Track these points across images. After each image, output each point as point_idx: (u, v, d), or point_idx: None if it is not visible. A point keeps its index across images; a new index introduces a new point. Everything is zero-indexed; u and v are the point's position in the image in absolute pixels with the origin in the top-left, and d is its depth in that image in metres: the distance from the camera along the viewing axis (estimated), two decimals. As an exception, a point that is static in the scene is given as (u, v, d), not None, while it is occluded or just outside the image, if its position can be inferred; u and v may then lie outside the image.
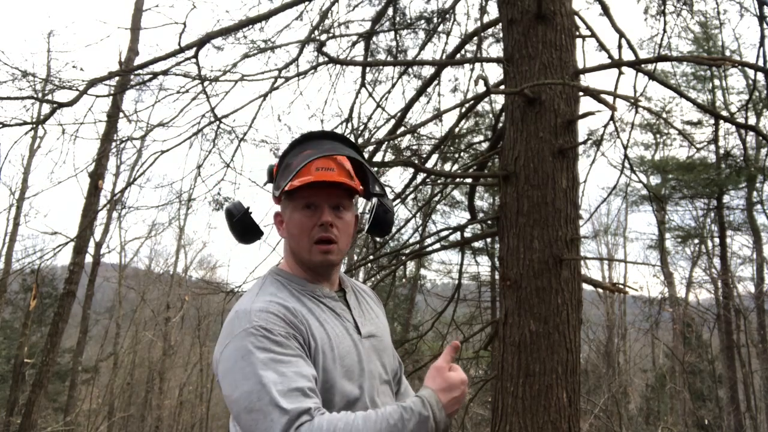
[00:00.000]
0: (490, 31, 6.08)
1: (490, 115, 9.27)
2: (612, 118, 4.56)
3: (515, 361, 3.10)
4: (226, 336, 1.14)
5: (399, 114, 5.30)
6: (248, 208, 1.35)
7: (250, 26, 4.82)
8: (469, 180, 5.26)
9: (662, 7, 5.61)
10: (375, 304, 1.47)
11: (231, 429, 1.23)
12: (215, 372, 1.18)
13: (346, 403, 1.18)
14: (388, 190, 6.43)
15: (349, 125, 5.66)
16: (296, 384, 1.04)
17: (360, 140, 5.51)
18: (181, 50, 4.12)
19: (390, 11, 5.88)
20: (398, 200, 5.26)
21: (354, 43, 5.69)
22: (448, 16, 5.93)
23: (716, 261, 14.91)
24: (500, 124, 4.68)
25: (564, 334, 3.06)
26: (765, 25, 4.33)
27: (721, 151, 13.84)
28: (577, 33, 3.89)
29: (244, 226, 1.35)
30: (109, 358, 17.69)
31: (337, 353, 1.20)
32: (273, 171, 1.33)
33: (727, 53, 11.97)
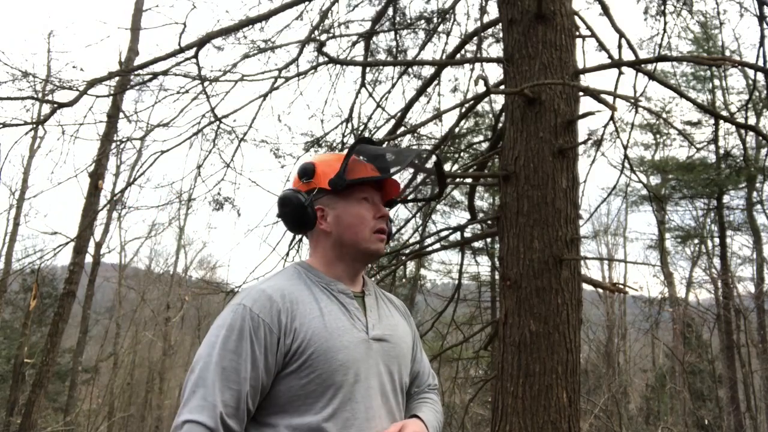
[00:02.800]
0: (490, 31, 6.08)
1: (490, 115, 9.29)
2: (612, 118, 4.56)
3: (515, 361, 3.10)
4: (228, 304, 1.26)
5: (399, 114, 5.30)
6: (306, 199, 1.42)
7: (250, 26, 4.82)
8: (469, 180, 5.26)
9: (662, 7, 5.61)
10: (400, 314, 1.49)
11: None
12: None
13: (332, 392, 1.21)
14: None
15: (349, 125, 5.66)
16: (236, 384, 1.14)
17: (360, 140, 5.49)
18: (181, 50, 4.12)
19: (390, 11, 5.87)
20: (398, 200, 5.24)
21: (354, 43, 5.69)
22: (448, 16, 5.93)
23: (716, 261, 14.92)
24: (500, 124, 4.68)
25: (564, 334, 3.06)
26: (765, 25, 4.33)
27: (721, 151, 13.84)
28: (577, 33, 3.88)
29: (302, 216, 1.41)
30: (109, 358, 17.68)
31: (331, 344, 1.22)
32: (314, 168, 1.39)
33: (727, 53, 11.97)
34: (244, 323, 1.18)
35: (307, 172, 1.38)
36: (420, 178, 1.51)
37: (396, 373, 1.34)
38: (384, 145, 1.53)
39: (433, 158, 1.46)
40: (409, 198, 1.54)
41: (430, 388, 1.52)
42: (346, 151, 1.39)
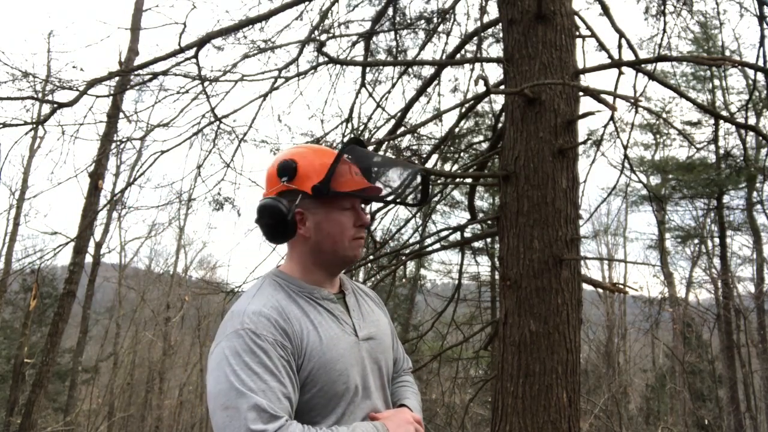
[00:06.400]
0: (490, 31, 6.08)
1: (490, 115, 9.28)
2: (612, 118, 4.56)
3: (515, 361, 3.10)
4: (219, 335, 1.18)
5: (399, 114, 5.30)
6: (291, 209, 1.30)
7: (250, 26, 4.81)
8: (469, 180, 5.26)
9: (662, 7, 5.61)
10: (376, 305, 1.49)
11: None
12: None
13: (335, 402, 1.21)
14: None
15: (349, 125, 5.66)
16: (276, 394, 1.09)
17: (360, 140, 5.49)
18: (181, 50, 4.11)
19: (390, 11, 5.87)
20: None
21: (354, 43, 5.69)
22: (448, 16, 5.93)
23: (716, 261, 14.92)
24: (500, 124, 4.68)
25: (564, 334, 3.06)
26: (765, 25, 4.33)
27: (721, 151, 13.85)
28: (577, 33, 3.88)
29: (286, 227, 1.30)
30: (109, 358, 17.69)
31: (329, 357, 1.21)
32: (296, 167, 1.29)
33: (727, 53, 11.98)
34: (256, 346, 1.12)
35: (287, 171, 1.28)
36: (406, 188, 1.44)
37: (384, 368, 1.36)
38: (372, 150, 1.44)
39: (420, 175, 1.42)
40: (391, 201, 1.49)
41: (405, 371, 1.56)
42: (331, 152, 1.33)
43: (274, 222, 1.28)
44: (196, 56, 4.19)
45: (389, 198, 1.39)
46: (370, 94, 5.72)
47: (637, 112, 5.48)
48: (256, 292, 1.26)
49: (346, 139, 5.53)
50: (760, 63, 4.33)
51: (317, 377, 1.18)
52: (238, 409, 1.05)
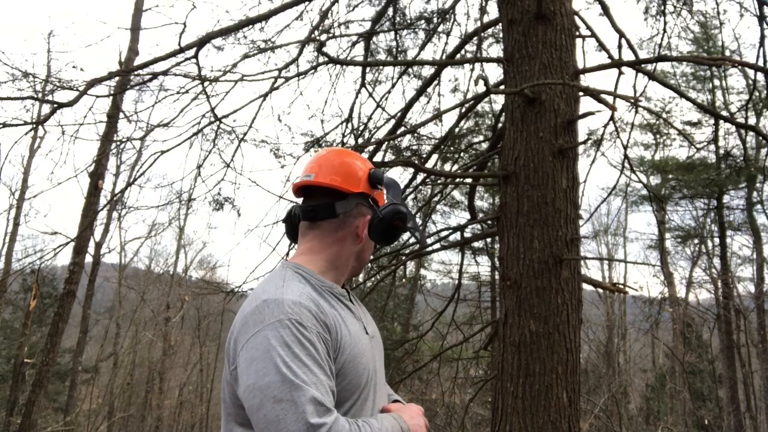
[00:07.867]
0: (490, 31, 6.08)
1: (490, 115, 9.30)
2: (612, 118, 4.56)
3: (515, 361, 3.10)
4: (256, 323, 1.12)
5: (399, 114, 5.30)
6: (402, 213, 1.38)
7: (250, 26, 4.81)
8: (469, 180, 5.26)
9: (662, 7, 5.61)
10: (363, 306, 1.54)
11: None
12: (232, 357, 1.16)
13: (356, 395, 1.23)
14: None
15: (349, 125, 5.66)
16: (325, 387, 1.09)
17: (360, 140, 5.51)
18: (181, 50, 4.11)
19: (390, 11, 5.88)
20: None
21: (354, 43, 5.69)
22: (448, 16, 5.93)
23: (716, 261, 14.93)
24: (500, 124, 4.69)
25: (564, 334, 3.06)
26: (765, 25, 4.33)
27: (721, 151, 13.85)
28: (577, 33, 3.88)
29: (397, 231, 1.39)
30: (109, 358, 17.70)
31: (357, 350, 1.23)
32: (380, 177, 1.40)
33: (727, 53, 11.97)
34: (303, 337, 1.10)
35: (380, 182, 1.39)
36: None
37: (384, 365, 1.43)
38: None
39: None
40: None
41: None
42: (390, 177, 1.46)
43: (402, 225, 1.36)
44: (196, 56, 4.19)
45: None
46: (370, 94, 5.72)
47: (637, 112, 5.48)
48: (284, 283, 1.21)
49: (348, 139, 5.55)
50: (760, 63, 4.33)
51: (347, 370, 1.19)
52: (294, 402, 1.03)
